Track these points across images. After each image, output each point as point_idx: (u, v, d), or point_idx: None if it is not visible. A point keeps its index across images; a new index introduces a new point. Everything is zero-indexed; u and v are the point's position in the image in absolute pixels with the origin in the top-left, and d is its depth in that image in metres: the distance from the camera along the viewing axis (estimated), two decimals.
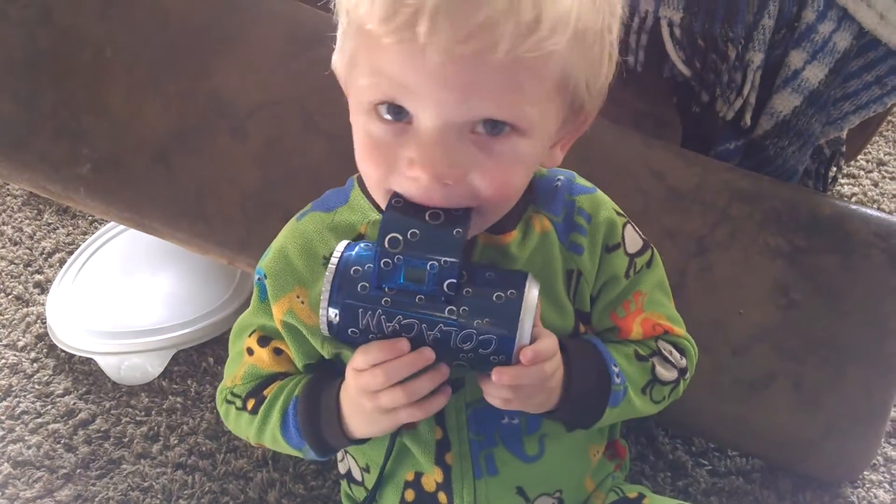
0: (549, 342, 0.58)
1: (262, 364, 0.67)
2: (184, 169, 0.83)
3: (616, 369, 0.63)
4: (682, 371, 0.68)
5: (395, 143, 0.54)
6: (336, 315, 0.56)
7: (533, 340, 0.57)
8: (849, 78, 0.90)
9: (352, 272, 0.56)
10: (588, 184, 0.67)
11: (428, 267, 0.55)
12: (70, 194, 0.84)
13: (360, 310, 0.56)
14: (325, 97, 0.83)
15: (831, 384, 0.84)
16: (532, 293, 0.56)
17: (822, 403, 0.84)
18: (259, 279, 0.66)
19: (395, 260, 0.55)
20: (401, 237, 0.55)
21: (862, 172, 1.37)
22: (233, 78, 0.85)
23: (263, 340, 0.67)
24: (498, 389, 0.57)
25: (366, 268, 0.56)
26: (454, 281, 0.55)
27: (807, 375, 0.84)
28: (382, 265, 0.55)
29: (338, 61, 0.59)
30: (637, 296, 0.66)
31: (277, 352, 0.67)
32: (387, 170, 0.55)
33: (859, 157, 1.36)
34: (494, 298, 0.55)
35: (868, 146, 1.36)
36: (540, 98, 0.54)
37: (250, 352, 0.67)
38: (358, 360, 0.58)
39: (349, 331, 0.57)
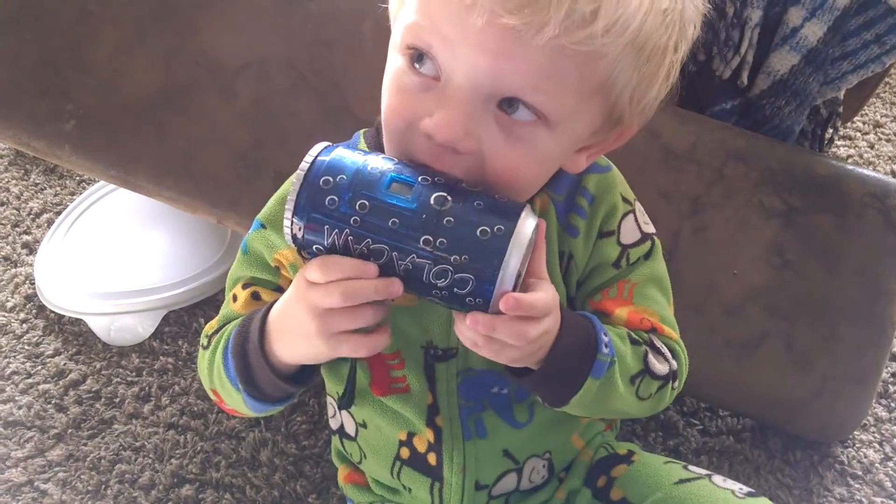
0: (543, 296, 0.52)
1: (236, 308, 0.64)
2: (171, 127, 0.82)
3: (606, 338, 0.58)
4: (673, 374, 0.62)
5: (421, 98, 0.52)
6: (300, 229, 0.51)
7: (525, 290, 0.52)
8: (847, 37, 0.89)
9: (321, 182, 0.50)
10: (606, 162, 0.64)
11: (419, 179, 0.50)
12: (55, 151, 0.82)
13: (327, 227, 0.50)
14: (314, 55, 0.82)
15: (823, 344, 0.84)
16: (524, 230, 0.49)
17: (813, 364, 0.85)
18: (255, 231, 0.64)
19: (384, 167, 0.50)
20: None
21: (858, 134, 1.36)
22: (220, 35, 0.83)
23: (247, 286, 0.64)
24: (470, 331, 0.51)
25: (338, 179, 0.50)
26: (444, 194, 0.49)
27: (799, 336, 0.84)
28: (369, 169, 0.50)
29: (391, 7, 0.57)
30: (623, 284, 0.63)
31: (255, 296, 0.64)
32: (407, 121, 0.53)
33: (856, 118, 1.35)
34: (479, 233, 0.48)
35: (865, 107, 1.35)
36: (576, 95, 0.51)
37: (234, 298, 0.65)
38: (314, 272, 0.51)
39: (314, 247, 0.51)
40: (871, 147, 1.34)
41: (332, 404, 0.72)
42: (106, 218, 1.13)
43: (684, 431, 0.94)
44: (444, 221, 0.49)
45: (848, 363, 0.84)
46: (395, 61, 0.54)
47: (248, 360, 0.59)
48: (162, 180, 0.82)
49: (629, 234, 0.64)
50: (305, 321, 0.53)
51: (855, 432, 0.94)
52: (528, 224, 0.50)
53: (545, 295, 0.52)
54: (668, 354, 0.62)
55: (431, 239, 0.49)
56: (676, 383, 0.64)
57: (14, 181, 1.23)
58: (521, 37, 0.48)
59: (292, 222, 0.51)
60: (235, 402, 0.63)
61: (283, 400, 0.63)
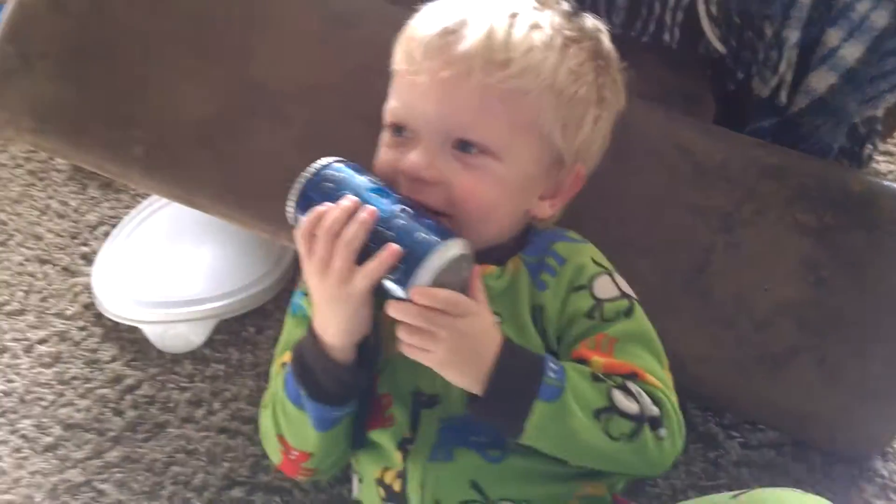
0: (457, 297, 0.60)
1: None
2: (229, 150, 0.87)
3: (554, 366, 0.62)
4: (653, 419, 0.63)
5: (401, 151, 0.67)
6: (297, 207, 0.65)
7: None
8: (886, 56, 0.89)
9: (325, 174, 0.65)
10: (578, 237, 0.73)
11: (397, 196, 0.64)
12: (126, 174, 0.88)
13: (315, 204, 0.63)
14: (360, 81, 0.86)
15: (855, 361, 0.84)
16: (450, 248, 0.61)
17: (844, 380, 0.85)
18: (295, 302, 0.75)
19: (375, 180, 0.64)
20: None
21: None
22: (272, 62, 0.87)
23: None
24: (398, 328, 0.61)
25: (339, 176, 0.64)
26: (407, 208, 0.62)
27: (830, 351, 0.85)
28: (363, 177, 0.64)
29: (385, 111, 0.71)
30: (601, 337, 0.66)
31: None
32: (392, 169, 0.67)
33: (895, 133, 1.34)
34: (416, 235, 0.61)
35: None
36: (509, 128, 0.66)
37: (284, 367, 0.71)
38: (300, 242, 0.63)
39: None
40: None
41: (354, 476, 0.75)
42: (160, 230, 1.17)
43: (724, 443, 0.94)
44: (397, 222, 0.62)
45: (880, 379, 0.85)
46: (382, 136, 0.70)
47: (305, 359, 0.66)
48: (221, 200, 0.87)
49: (603, 289, 0.69)
50: (321, 286, 0.62)
51: (895, 446, 0.94)
52: (457, 246, 0.61)
53: (459, 297, 0.61)
54: (646, 399, 0.64)
55: (382, 229, 0.61)
56: (663, 431, 0.64)
57: (72, 195, 1.29)
58: (456, 83, 0.64)
59: (295, 201, 0.65)
60: (299, 429, 0.68)
61: (343, 400, 0.67)
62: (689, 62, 0.98)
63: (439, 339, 0.60)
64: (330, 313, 0.64)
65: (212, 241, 1.13)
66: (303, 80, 0.87)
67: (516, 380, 0.62)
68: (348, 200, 0.62)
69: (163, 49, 0.88)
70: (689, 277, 0.85)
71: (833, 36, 0.87)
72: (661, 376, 0.67)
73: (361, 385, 0.68)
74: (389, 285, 0.61)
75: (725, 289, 0.85)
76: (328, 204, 0.62)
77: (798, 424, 0.89)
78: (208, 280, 1.10)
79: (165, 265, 1.13)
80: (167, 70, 0.88)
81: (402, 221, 0.61)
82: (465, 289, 0.62)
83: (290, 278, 1.12)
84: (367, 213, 0.61)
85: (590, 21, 0.71)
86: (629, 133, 0.76)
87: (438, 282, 0.60)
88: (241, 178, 0.87)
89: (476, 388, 0.62)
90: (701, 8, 0.88)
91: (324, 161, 0.66)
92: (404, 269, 0.60)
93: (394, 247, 0.60)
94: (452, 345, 0.60)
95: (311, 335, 0.66)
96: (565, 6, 0.71)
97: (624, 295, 0.69)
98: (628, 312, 0.68)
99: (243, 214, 0.87)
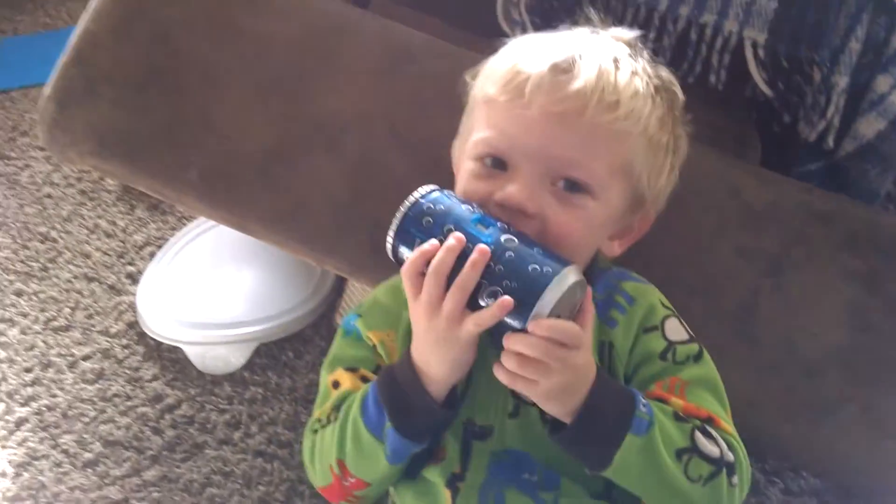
0: (575, 329, 0.59)
1: (346, 388, 0.70)
2: (282, 180, 0.88)
3: (644, 402, 0.62)
4: (728, 463, 0.63)
5: (492, 182, 0.65)
6: (397, 241, 0.62)
7: None
8: None
9: (424, 207, 0.62)
10: (643, 279, 0.72)
11: (498, 224, 0.62)
12: (181, 198, 0.90)
13: (417, 240, 0.61)
14: (411, 110, 0.87)
15: None
16: (568, 276, 0.59)
17: (891, 428, 0.83)
18: (349, 323, 0.73)
19: (474, 209, 0.63)
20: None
21: None
22: (329, 95, 0.89)
23: (350, 370, 0.71)
24: (506, 357, 0.59)
25: (437, 207, 0.62)
26: (512, 237, 0.60)
27: (879, 401, 0.84)
28: (462, 208, 0.62)
29: (455, 145, 0.72)
30: (675, 381, 0.66)
31: (364, 380, 0.70)
32: (481, 201, 0.65)
33: None
34: (530, 268, 0.59)
35: None
36: (608, 168, 0.65)
37: (336, 385, 0.71)
38: (406, 280, 0.61)
39: (405, 257, 0.62)
40: None
41: None
42: (204, 252, 1.20)
43: (766, 489, 0.93)
44: (506, 255, 0.59)
45: None
46: (469, 165, 0.67)
47: (401, 391, 0.64)
48: (272, 227, 0.88)
49: (674, 332, 0.69)
50: (429, 327, 0.61)
51: None
52: (572, 273, 0.59)
53: (577, 329, 0.59)
54: (723, 443, 0.64)
55: (492, 265, 0.59)
56: (735, 479, 0.64)
57: (120, 215, 1.32)
58: (566, 120, 0.64)
59: (395, 234, 0.63)
60: (369, 459, 0.66)
61: (426, 436, 0.66)
62: (735, 104, 0.98)
63: (552, 371, 0.58)
64: (436, 353, 0.62)
65: (254, 266, 1.15)
66: (356, 111, 0.89)
67: (610, 411, 0.61)
68: (454, 239, 0.59)
69: (224, 79, 0.91)
70: (737, 319, 0.84)
71: (883, 83, 0.87)
72: (731, 423, 0.66)
73: (450, 422, 0.66)
74: (504, 320, 0.59)
75: (772, 333, 0.84)
76: (434, 241, 0.60)
77: (841, 473, 0.88)
78: (249, 303, 1.11)
79: (208, 287, 1.15)
80: (227, 99, 0.90)
81: (510, 253, 0.59)
82: (573, 315, 0.61)
83: (330, 304, 1.14)
84: (478, 253, 0.59)
85: (665, 72, 0.72)
86: (680, 174, 0.76)
87: (555, 312, 0.58)
88: (292, 206, 0.88)
89: (568, 417, 0.61)
90: (749, 51, 0.89)
91: (422, 191, 0.64)
92: (520, 304, 0.58)
93: (507, 300, 0.57)
94: (563, 377, 0.59)
95: (411, 369, 0.64)
96: (646, 54, 0.71)
97: (692, 339, 0.69)
98: (698, 357, 0.68)
99: (293, 241, 0.89)
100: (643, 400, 0.62)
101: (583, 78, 0.64)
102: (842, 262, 0.85)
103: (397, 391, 0.64)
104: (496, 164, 0.66)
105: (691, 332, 0.70)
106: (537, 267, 0.59)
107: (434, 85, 0.86)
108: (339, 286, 1.13)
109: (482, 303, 0.59)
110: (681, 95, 0.72)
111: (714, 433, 0.64)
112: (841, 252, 0.85)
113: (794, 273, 0.85)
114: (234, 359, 1.08)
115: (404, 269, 0.62)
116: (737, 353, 0.84)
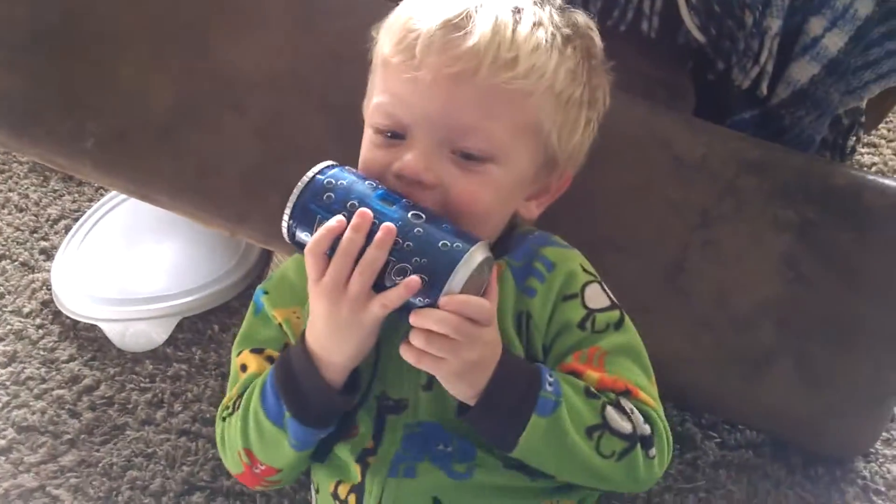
0: (486, 304, 0.57)
1: (253, 371, 0.68)
2: (187, 144, 0.83)
3: (550, 378, 0.60)
4: (644, 438, 0.62)
5: (390, 151, 0.62)
6: (294, 220, 0.59)
7: None
8: (870, 46, 0.87)
9: (324, 183, 0.59)
10: (564, 243, 0.69)
11: (403, 200, 0.59)
12: (77, 167, 0.85)
13: (319, 218, 0.58)
14: (327, 73, 0.83)
15: (838, 361, 0.82)
16: (477, 253, 0.57)
17: (828, 380, 0.83)
18: (258, 299, 0.70)
19: (376, 185, 0.60)
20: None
21: (883, 141, 1.34)
22: (234, 53, 0.84)
23: (256, 351, 0.68)
24: (414, 335, 0.56)
25: (338, 183, 0.59)
26: (419, 213, 0.58)
27: (813, 352, 0.83)
28: (365, 183, 0.60)
29: (364, 106, 0.68)
30: (594, 351, 0.64)
31: (270, 360, 0.67)
32: (381, 169, 0.62)
33: (881, 125, 1.33)
34: (440, 244, 0.57)
35: (890, 115, 1.33)
36: (511, 131, 0.62)
37: (244, 368, 0.68)
38: (309, 263, 0.58)
39: (303, 235, 0.59)
40: None
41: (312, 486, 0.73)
42: (122, 225, 1.14)
43: (702, 444, 0.92)
44: (414, 230, 0.57)
45: (864, 380, 0.82)
46: (369, 134, 0.65)
47: (297, 380, 0.61)
48: (178, 195, 0.84)
49: (595, 299, 0.66)
50: (333, 311, 0.58)
51: (878, 447, 0.92)
52: (481, 250, 0.58)
53: (487, 306, 0.57)
54: (639, 417, 0.62)
55: (400, 241, 0.57)
56: (653, 451, 0.63)
57: (33, 187, 1.25)
58: (460, 82, 0.60)
59: (291, 212, 0.59)
60: (274, 447, 0.64)
61: (329, 422, 0.64)
62: (668, 52, 0.95)
63: (461, 348, 0.56)
64: (337, 338, 0.60)
65: (175, 237, 1.10)
66: (265, 70, 0.84)
67: (514, 392, 0.59)
68: (361, 216, 0.57)
69: (122, 37, 0.85)
70: (667, 275, 0.82)
71: (816, 25, 0.84)
72: (651, 392, 0.65)
73: (350, 407, 0.64)
74: (411, 299, 0.57)
75: (704, 287, 0.82)
76: (340, 218, 0.57)
77: (778, 425, 0.87)
78: (170, 276, 1.06)
79: (127, 261, 1.10)
80: (127, 59, 0.84)
81: (418, 230, 0.57)
82: (480, 293, 0.59)
83: (257, 275, 1.09)
84: (384, 231, 0.56)
85: (581, 17, 0.68)
86: (609, 126, 0.73)
87: (465, 289, 0.57)
88: (199, 173, 0.83)
89: (472, 398, 0.59)
90: None
91: (319, 167, 0.60)
92: (429, 282, 0.56)
93: (415, 279, 0.55)
94: (472, 354, 0.57)
95: (305, 355, 0.61)
96: (557, 1, 0.67)
97: (614, 305, 0.67)
98: (619, 324, 0.66)
99: (201, 211, 0.84)
100: (550, 378, 0.60)
101: (477, 34, 0.59)
102: (774, 212, 0.83)
103: (293, 380, 0.61)
104: (391, 131, 0.63)
105: (614, 298, 0.67)
106: (447, 243, 0.57)
107: (352, 42, 0.82)
108: (266, 255, 1.09)
109: (387, 283, 0.57)
110: (599, 42, 0.68)
111: (629, 406, 0.62)
112: (773, 202, 0.83)
113: (725, 225, 0.83)
114: (156, 335, 1.03)
115: (309, 249, 0.58)
116: (668, 308, 0.82)
